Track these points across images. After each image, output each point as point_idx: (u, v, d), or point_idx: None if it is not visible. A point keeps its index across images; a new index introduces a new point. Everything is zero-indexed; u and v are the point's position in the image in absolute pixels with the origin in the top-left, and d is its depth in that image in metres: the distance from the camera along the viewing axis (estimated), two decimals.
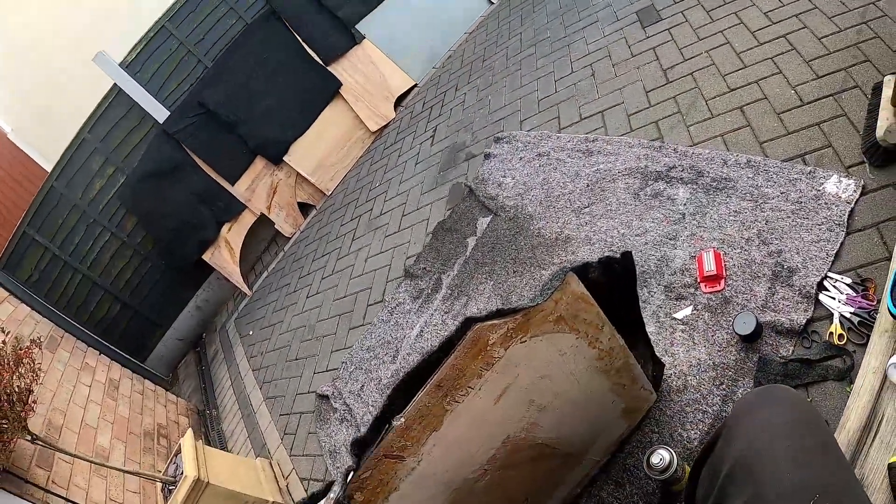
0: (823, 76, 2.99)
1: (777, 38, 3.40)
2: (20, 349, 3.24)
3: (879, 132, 2.41)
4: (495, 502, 1.86)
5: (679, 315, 2.52)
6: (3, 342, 3.27)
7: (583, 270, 1.55)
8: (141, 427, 4.78)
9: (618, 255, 1.61)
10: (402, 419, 1.28)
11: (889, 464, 1.14)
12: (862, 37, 3.02)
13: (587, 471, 2.20)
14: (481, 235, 3.79)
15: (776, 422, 1.18)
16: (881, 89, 2.55)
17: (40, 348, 3.48)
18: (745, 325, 2.22)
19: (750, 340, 2.25)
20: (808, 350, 2.13)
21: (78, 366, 4.95)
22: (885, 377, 1.30)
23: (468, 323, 1.34)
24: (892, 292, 1.35)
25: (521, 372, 1.54)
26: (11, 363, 3.12)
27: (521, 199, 3.77)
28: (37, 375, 3.27)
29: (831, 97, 2.87)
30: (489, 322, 1.36)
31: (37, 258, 6.51)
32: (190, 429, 3.93)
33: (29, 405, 3.12)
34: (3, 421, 2.95)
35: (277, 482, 3.96)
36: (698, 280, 2.56)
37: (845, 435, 1.27)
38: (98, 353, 5.51)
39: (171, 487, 3.44)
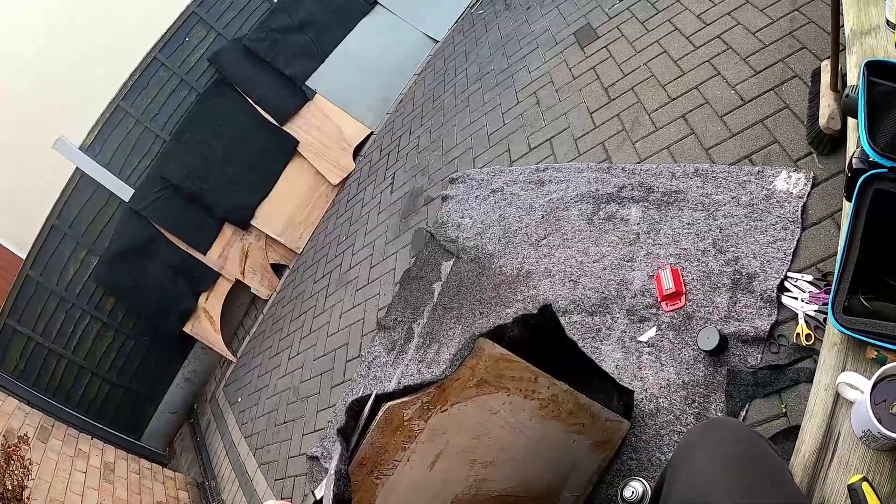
0: (762, 71, 2.96)
1: (712, 40, 3.37)
2: (9, 447, 3.23)
3: (822, 120, 2.37)
4: None
5: (643, 338, 2.45)
6: None
7: (498, 333, 1.53)
8: None
9: (534, 311, 1.60)
10: (333, 490, 1.28)
11: (848, 485, 1.07)
12: (795, 24, 2.99)
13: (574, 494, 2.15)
14: (446, 280, 3.71)
15: (718, 463, 1.12)
16: (820, 76, 2.51)
17: (28, 444, 3.43)
18: (709, 341, 2.17)
19: (716, 354, 2.18)
20: (777, 355, 2.07)
21: (72, 453, 4.81)
22: (838, 395, 1.20)
23: (378, 401, 1.33)
24: (833, 305, 1.26)
25: (451, 437, 1.52)
26: (2, 462, 3.09)
27: (480, 238, 3.69)
28: (28, 471, 3.24)
29: (772, 91, 2.84)
30: (399, 401, 1.34)
31: (20, 348, 6.40)
32: None
33: (23, 502, 3.07)
34: None
35: None
36: (659, 300, 2.49)
37: (801, 458, 1.21)
38: (90, 437, 5.39)
39: None
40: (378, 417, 1.30)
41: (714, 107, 3.02)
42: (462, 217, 3.99)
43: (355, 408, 1.39)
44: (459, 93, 5.59)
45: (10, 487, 3.02)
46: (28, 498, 3.17)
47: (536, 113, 4.24)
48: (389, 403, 1.32)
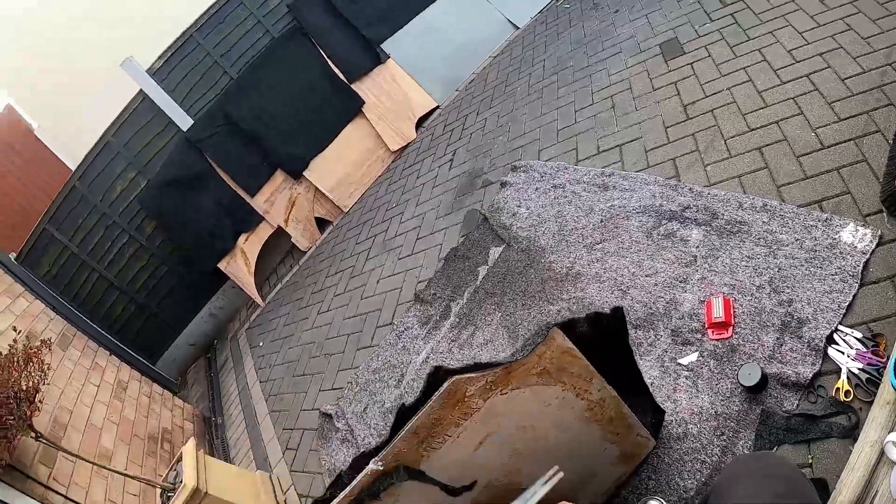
0: (845, 119, 2.95)
1: (800, 78, 3.36)
2: (30, 349, 3.27)
3: None
4: None
5: (684, 361, 2.48)
6: (15, 340, 3.29)
7: (569, 326, 1.54)
8: (146, 430, 4.78)
9: (607, 311, 1.60)
10: (381, 463, 1.27)
11: None
12: (886, 79, 2.98)
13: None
14: (493, 265, 3.79)
15: (766, 494, 1.16)
16: None
17: (49, 349, 3.51)
18: (750, 377, 2.19)
19: (754, 392, 2.21)
20: (814, 405, 2.08)
21: (88, 365, 4.97)
22: (883, 452, 1.26)
23: (440, 373, 1.35)
24: (894, 366, 1.32)
25: (503, 422, 1.54)
26: (21, 362, 3.16)
27: (534, 230, 3.76)
28: (45, 375, 3.30)
29: (852, 141, 2.83)
30: (466, 375, 1.36)
31: (55, 255, 6.63)
32: (192, 438, 3.93)
33: (35, 404, 3.15)
34: (10, 418, 2.96)
35: (276, 496, 3.96)
36: (706, 326, 2.52)
37: None
38: (109, 353, 5.55)
39: (169, 494, 3.45)
40: (442, 389, 1.33)
41: (792, 145, 3.03)
42: (519, 206, 4.06)
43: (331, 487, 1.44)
44: (534, 83, 5.63)
45: (24, 388, 3.11)
46: (40, 401, 3.26)
47: (610, 117, 4.28)
48: (456, 377, 1.34)
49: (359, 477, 1.29)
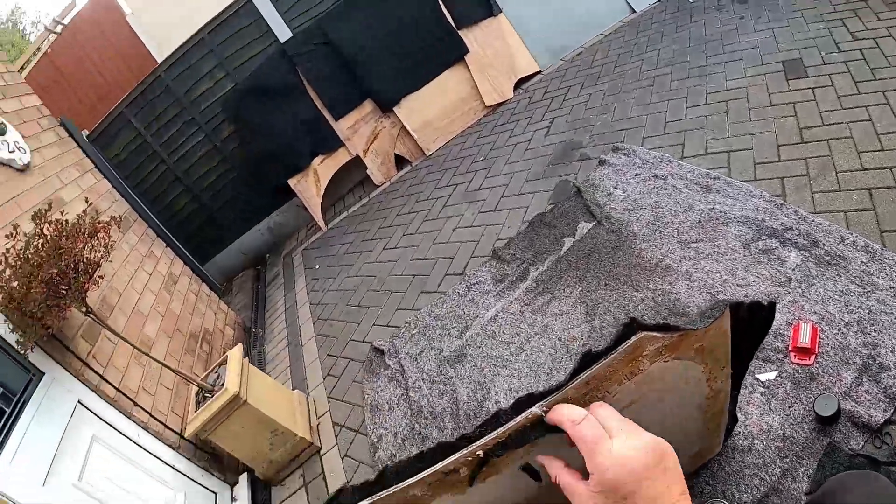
0: None
1: None
2: (98, 222, 3.33)
3: None
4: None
5: (762, 377, 2.56)
6: (84, 212, 3.36)
7: (735, 308, 1.49)
8: (188, 327, 4.95)
9: (765, 303, 1.57)
10: (544, 409, 1.33)
11: None
12: None
13: None
14: (579, 239, 3.88)
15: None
16: None
17: (118, 226, 3.60)
18: (826, 408, 2.25)
19: (825, 423, 2.27)
20: (878, 450, 2.14)
21: (144, 252, 5.16)
22: None
23: (633, 326, 1.30)
24: None
25: (648, 390, 1.52)
26: (87, 234, 3.21)
27: (628, 214, 3.84)
28: (108, 252, 3.36)
29: None
30: (654, 333, 1.33)
31: (128, 140, 6.91)
32: (240, 344, 4.06)
33: (94, 279, 3.21)
34: (65, 287, 3.02)
35: (310, 419, 4.10)
36: (789, 348, 2.59)
37: None
38: (165, 245, 5.74)
39: (206, 395, 3.57)
40: (630, 342, 1.31)
41: None
42: (616, 187, 4.13)
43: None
44: (646, 70, 5.65)
45: (86, 260, 3.15)
46: (100, 277, 3.31)
47: (722, 121, 4.30)
48: (645, 333, 1.31)
49: (518, 419, 1.33)
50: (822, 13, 5.01)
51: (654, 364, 1.42)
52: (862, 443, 2.17)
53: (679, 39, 5.90)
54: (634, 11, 7.15)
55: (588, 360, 1.30)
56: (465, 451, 1.33)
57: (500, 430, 1.32)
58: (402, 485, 1.35)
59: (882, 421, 2.18)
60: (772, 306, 1.58)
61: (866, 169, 3.33)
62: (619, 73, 5.94)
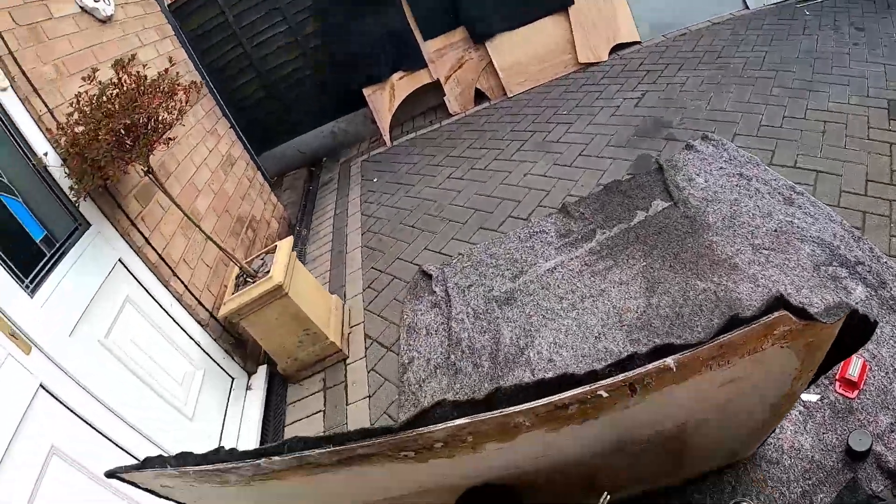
0: None
1: None
2: (178, 84, 3.29)
3: None
4: (623, 464, 1.98)
5: (805, 397, 2.62)
6: (166, 70, 3.33)
7: (850, 315, 1.46)
8: (237, 211, 5.03)
9: (872, 320, 1.55)
10: (675, 364, 1.32)
11: None
12: None
13: (665, 481, 2.35)
14: (652, 215, 3.95)
15: None
16: None
17: (198, 92, 3.63)
18: (860, 443, 2.31)
19: (854, 458, 2.33)
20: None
21: (208, 128, 5.24)
22: None
23: (780, 301, 1.30)
24: None
25: (753, 370, 1.54)
26: (166, 92, 3.18)
27: (705, 204, 3.89)
28: (181, 115, 3.33)
29: None
30: (792, 317, 1.33)
31: (208, 16, 6.89)
32: (291, 237, 4.10)
33: (164, 139, 3.21)
34: (131, 142, 2.99)
35: (343, 327, 4.18)
36: (836, 377, 2.65)
37: None
38: (229, 125, 5.80)
39: (248, 279, 3.64)
40: (773, 316, 1.31)
41: None
42: (698, 174, 4.18)
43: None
44: (749, 68, 5.61)
45: (158, 119, 3.11)
46: (169, 138, 3.31)
47: (817, 140, 4.31)
48: (786, 312, 1.31)
49: (649, 366, 1.33)
50: None
51: (773, 346, 1.44)
52: (883, 487, 2.24)
53: (788, 48, 5.83)
54: (748, 8, 7.02)
55: (732, 324, 1.34)
56: (586, 388, 1.39)
57: (629, 373, 1.38)
58: (510, 409, 1.41)
59: None
60: (874, 326, 1.59)
61: None
62: (720, 63, 5.89)
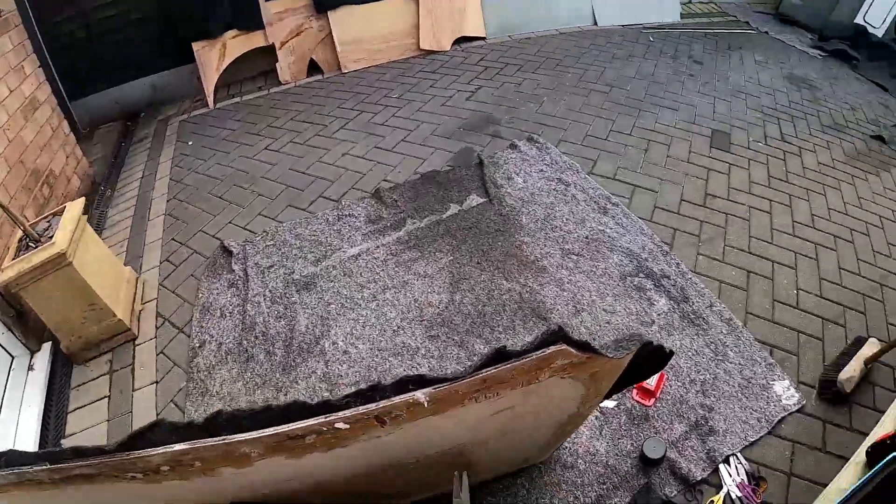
0: (825, 299, 3.30)
1: (808, 241, 3.72)
2: None
3: (843, 375, 2.69)
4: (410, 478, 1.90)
5: (602, 403, 2.59)
6: None
7: (643, 347, 1.48)
8: (34, 162, 4.37)
9: (668, 351, 1.58)
10: (429, 400, 1.25)
11: None
12: (872, 294, 3.37)
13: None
14: (466, 210, 3.79)
15: None
16: (861, 344, 2.88)
17: None
18: (653, 450, 2.36)
19: (648, 464, 2.38)
20: (688, 503, 2.30)
21: (14, 64, 4.49)
22: None
23: (559, 335, 1.28)
24: None
25: (529, 399, 1.53)
26: None
27: (521, 204, 3.80)
28: None
29: (820, 319, 3.17)
30: (572, 351, 1.31)
31: None
32: (83, 199, 3.56)
33: None
34: None
35: (134, 303, 3.73)
36: (634, 385, 2.62)
37: None
38: (39, 65, 5.00)
39: (31, 244, 3.15)
40: (549, 350, 1.29)
41: (775, 288, 3.32)
42: (518, 174, 4.08)
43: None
44: (585, 80, 5.66)
45: None
46: None
47: (639, 156, 4.37)
48: (565, 346, 1.29)
49: (395, 399, 1.27)
50: (763, 105, 5.27)
51: (550, 378, 1.43)
52: (675, 492, 2.31)
53: (627, 67, 5.96)
54: (596, 24, 7.15)
55: (498, 357, 1.29)
56: (321, 420, 1.28)
57: (371, 406, 1.28)
58: (234, 438, 1.29)
59: (699, 478, 2.34)
60: (669, 355, 1.62)
61: (751, 253, 3.56)
62: (559, 71, 5.90)
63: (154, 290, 3.84)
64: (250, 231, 4.12)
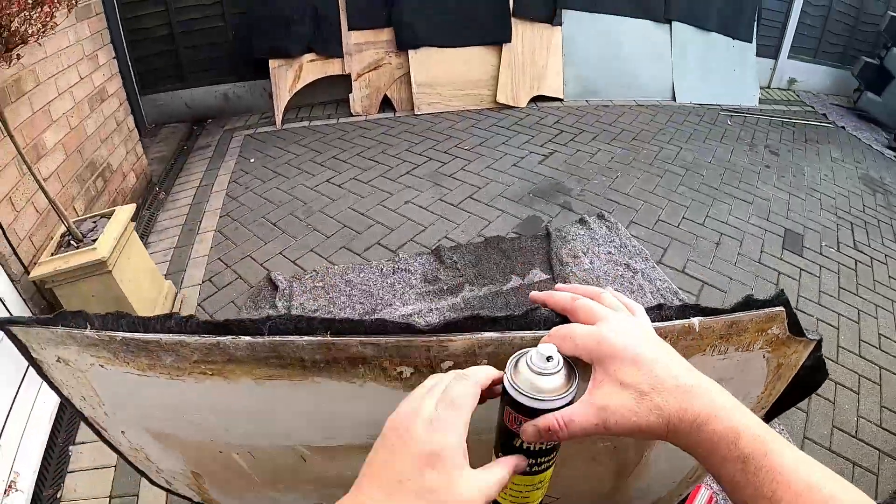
0: (884, 429, 3.10)
1: (874, 364, 3.52)
2: None
3: None
4: None
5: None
6: None
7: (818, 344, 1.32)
8: (93, 154, 4.37)
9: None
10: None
11: None
12: None
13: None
14: (528, 284, 3.71)
15: None
16: None
17: (69, 10, 3.15)
18: None
19: None
20: None
21: (88, 52, 4.51)
22: None
23: (779, 300, 1.06)
24: None
25: (735, 376, 1.42)
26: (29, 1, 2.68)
27: None
28: (45, 30, 2.82)
29: (878, 452, 2.97)
30: (785, 316, 1.07)
31: None
32: (134, 204, 3.55)
33: (9, 54, 2.70)
34: None
35: None
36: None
37: None
38: (114, 56, 5.03)
39: (72, 241, 3.13)
40: (773, 310, 1.11)
41: (835, 413, 3.17)
42: (585, 253, 4.00)
43: None
44: (661, 159, 5.62)
45: (12, 30, 2.62)
46: (17, 56, 2.78)
47: (710, 250, 4.31)
48: (782, 309, 1.14)
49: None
50: (836, 206, 5.14)
51: (759, 349, 1.16)
52: None
53: (703, 150, 5.89)
54: (675, 99, 7.12)
55: (747, 304, 1.13)
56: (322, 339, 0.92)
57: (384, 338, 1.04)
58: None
59: None
60: (825, 375, 1.42)
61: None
62: (635, 145, 5.85)
63: (192, 309, 3.78)
64: (299, 267, 4.06)
